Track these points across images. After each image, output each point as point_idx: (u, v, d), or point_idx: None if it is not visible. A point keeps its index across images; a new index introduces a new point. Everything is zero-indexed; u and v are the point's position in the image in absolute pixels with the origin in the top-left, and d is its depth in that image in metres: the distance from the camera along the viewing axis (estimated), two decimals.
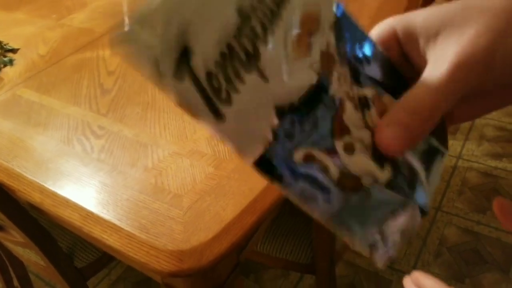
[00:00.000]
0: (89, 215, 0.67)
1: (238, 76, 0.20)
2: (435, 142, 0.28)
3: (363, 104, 0.25)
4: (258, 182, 0.68)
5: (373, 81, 0.26)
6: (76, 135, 0.82)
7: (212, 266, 0.60)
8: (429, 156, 0.28)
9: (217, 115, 0.20)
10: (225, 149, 0.75)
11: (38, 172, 0.76)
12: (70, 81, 0.97)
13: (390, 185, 0.26)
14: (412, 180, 0.27)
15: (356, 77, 0.25)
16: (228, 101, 0.20)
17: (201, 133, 0.78)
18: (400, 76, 0.27)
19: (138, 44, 0.18)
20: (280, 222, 0.99)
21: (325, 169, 0.23)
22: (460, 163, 1.74)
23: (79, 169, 0.75)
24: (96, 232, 0.65)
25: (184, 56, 0.18)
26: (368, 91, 0.26)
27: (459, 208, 1.57)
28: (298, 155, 0.22)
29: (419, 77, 0.23)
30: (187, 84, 0.19)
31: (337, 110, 0.24)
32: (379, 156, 0.25)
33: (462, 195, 1.62)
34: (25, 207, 0.82)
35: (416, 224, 0.27)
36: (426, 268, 1.38)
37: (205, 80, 0.19)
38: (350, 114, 0.24)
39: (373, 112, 0.25)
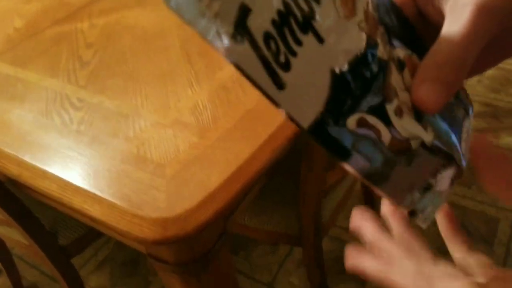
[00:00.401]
0: (68, 186, 0.65)
1: (295, 37, 0.19)
2: (462, 99, 0.28)
3: (399, 65, 0.24)
4: (243, 150, 0.67)
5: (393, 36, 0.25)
6: (55, 108, 0.79)
7: (196, 233, 0.58)
8: (460, 114, 0.28)
9: (277, 82, 0.19)
10: (209, 118, 0.73)
11: (16, 145, 0.73)
12: (47, 54, 0.94)
13: (432, 147, 0.25)
14: (448, 140, 0.27)
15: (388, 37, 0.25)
16: (287, 65, 0.19)
17: (184, 103, 0.76)
18: (415, 33, 0.27)
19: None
20: (268, 195, 0.98)
21: (378, 135, 0.23)
22: None
23: (58, 141, 0.73)
24: (76, 203, 0.63)
25: (242, 15, 0.17)
26: (400, 52, 0.25)
27: None
28: (352, 121, 0.22)
29: (440, 30, 0.23)
30: (246, 47, 0.17)
31: (385, 72, 0.23)
32: (419, 117, 0.25)
33: None
34: (7, 186, 0.80)
35: (455, 181, 0.27)
36: None
37: (263, 42, 0.18)
38: (395, 76, 0.24)
39: (406, 72, 0.25)
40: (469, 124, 0.29)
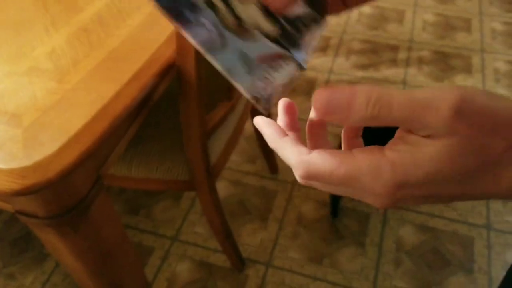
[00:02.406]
0: None
1: None
2: (311, 10, 0.31)
3: None
4: (107, 90, 0.63)
5: None
6: None
7: (61, 179, 0.55)
8: (307, 21, 0.31)
9: None
10: (68, 62, 0.68)
11: None
12: None
13: (276, 40, 0.28)
14: (293, 39, 0.30)
15: None
16: None
17: (40, 49, 0.70)
18: None
19: None
20: (154, 143, 0.96)
21: (219, 13, 0.25)
22: (332, 77, 1.82)
23: None
24: None
25: None
26: None
27: None
28: None
29: None
30: None
31: None
32: (269, 14, 0.27)
33: None
34: None
35: (295, 78, 0.30)
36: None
37: None
38: None
39: None
40: (318, 33, 0.31)
